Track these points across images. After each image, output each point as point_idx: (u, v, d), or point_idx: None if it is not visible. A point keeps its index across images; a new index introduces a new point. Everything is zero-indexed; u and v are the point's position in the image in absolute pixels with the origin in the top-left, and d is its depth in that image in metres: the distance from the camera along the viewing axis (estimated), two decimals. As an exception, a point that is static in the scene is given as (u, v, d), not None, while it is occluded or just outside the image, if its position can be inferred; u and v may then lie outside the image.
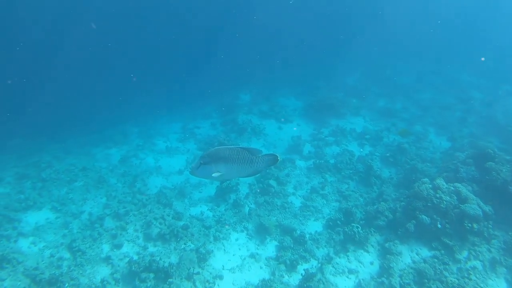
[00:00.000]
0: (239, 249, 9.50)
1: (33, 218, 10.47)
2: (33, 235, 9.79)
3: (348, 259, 9.10)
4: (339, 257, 9.15)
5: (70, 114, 19.50)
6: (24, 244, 9.46)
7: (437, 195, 9.24)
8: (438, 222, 8.96)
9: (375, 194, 11.75)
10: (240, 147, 4.33)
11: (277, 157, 4.37)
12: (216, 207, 11.17)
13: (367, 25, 34.45)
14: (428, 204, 9.25)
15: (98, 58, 25.50)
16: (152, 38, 28.73)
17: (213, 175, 4.35)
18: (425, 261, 8.55)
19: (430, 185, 9.57)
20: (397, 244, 9.08)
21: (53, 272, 8.24)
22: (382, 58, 27.90)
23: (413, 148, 14.38)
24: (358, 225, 9.62)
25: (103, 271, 8.59)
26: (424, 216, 9.12)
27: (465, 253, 8.66)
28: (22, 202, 10.98)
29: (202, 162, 4.30)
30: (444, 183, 9.51)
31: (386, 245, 9.12)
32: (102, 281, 8.21)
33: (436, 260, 8.51)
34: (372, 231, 9.63)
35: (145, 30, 28.62)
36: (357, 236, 9.36)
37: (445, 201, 9.08)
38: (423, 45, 30.92)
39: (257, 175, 4.46)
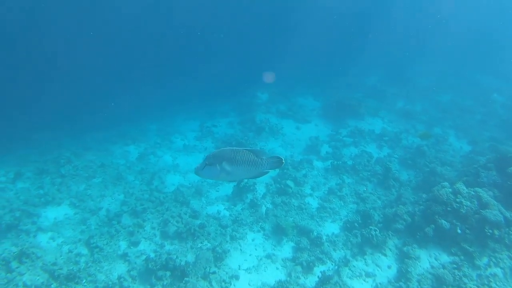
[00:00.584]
0: (256, 249, 9.47)
1: (52, 213, 10.59)
2: (51, 230, 9.89)
3: (365, 262, 9.03)
4: (356, 260, 9.08)
5: (88, 109, 19.67)
6: (43, 239, 9.57)
7: (457, 200, 9.11)
8: (458, 227, 8.84)
9: (393, 196, 11.64)
10: (245, 149, 4.35)
11: (282, 159, 4.39)
12: (233, 207, 11.16)
13: (387, 25, 34.12)
14: (448, 208, 9.13)
15: (117, 55, 25.71)
16: (171, 36, 28.84)
17: (218, 176, 4.37)
18: (444, 267, 8.45)
19: (450, 189, 9.44)
20: (415, 248, 8.98)
21: (71, 267, 8.33)
22: (402, 59, 27.64)
23: (432, 151, 14.20)
24: (376, 228, 9.53)
25: (120, 268, 8.65)
26: (443, 221, 9.01)
27: (485, 260, 8.53)
28: (42, 197, 11.10)
29: (207, 163, 4.32)
30: (465, 188, 9.38)
31: (404, 249, 9.02)
32: (119, 278, 8.25)
33: (455, 266, 8.40)
34: (390, 235, 9.54)
35: (164, 28, 28.75)
36: (375, 239, 9.28)
37: (465, 206, 8.95)
38: (443, 46, 30.56)
39: (263, 176, 4.51)
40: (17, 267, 8.11)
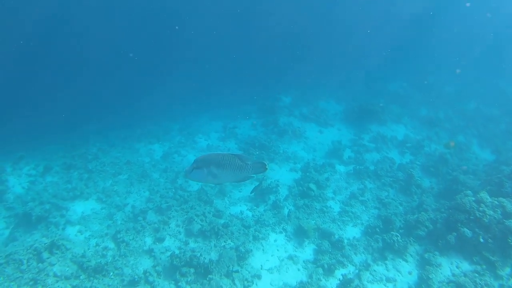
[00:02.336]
0: (278, 250, 9.62)
1: (80, 207, 10.92)
2: (79, 223, 10.22)
3: (386, 267, 9.10)
4: (377, 265, 9.16)
5: (111, 107, 20.08)
6: (71, 232, 9.89)
7: (480, 209, 9.11)
8: (481, 236, 8.84)
9: (415, 203, 11.66)
10: (231, 154, 4.61)
11: (265, 165, 4.67)
12: (255, 207, 11.33)
13: (411, 32, 34.00)
14: (471, 217, 9.13)
15: (141, 56, 26.18)
16: (198, 37, 29.18)
17: (205, 178, 4.62)
18: (465, 275, 8.46)
19: (473, 198, 9.44)
20: (436, 255, 9.02)
21: (99, 260, 8.59)
22: (426, 65, 27.48)
23: (455, 159, 14.18)
24: (398, 234, 9.59)
25: (146, 263, 8.88)
26: (466, 229, 9.02)
27: (507, 270, 8.52)
28: (70, 192, 11.44)
29: (195, 166, 4.57)
30: (488, 197, 9.36)
31: (426, 255, 9.06)
32: (145, 272, 8.46)
33: (477, 274, 8.40)
34: (412, 241, 9.59)
35: (193, 30, 29.12)
36: (396, 245, 9.34)
37: (489, 215, 8.95)
38: (468, 53, 30.30)
39: (246, 180, 4.81)
40: (48, 258, 8.40)
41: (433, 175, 13.53)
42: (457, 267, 8.83)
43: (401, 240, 9.42)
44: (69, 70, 22.11)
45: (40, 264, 8.26)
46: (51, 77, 20.84)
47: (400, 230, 10.02)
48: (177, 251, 9.07)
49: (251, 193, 11.45)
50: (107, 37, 26.03)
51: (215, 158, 4.58)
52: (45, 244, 8.72)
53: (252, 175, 4.67)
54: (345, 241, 9.79)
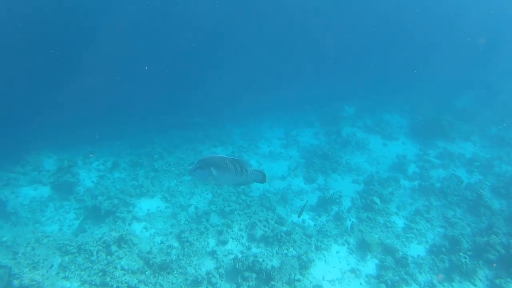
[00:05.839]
0: (339, 262, 9.49)
1: (145, 204, 11.26)
2: (145, 220, 10.54)
3: (453, 289, 8.78)
4: (443, 286, 8.84)
5: (174, 109, 20.57)
6: (137, 228, 10.22)
7: (560, 237, 8.62)
8: (559, 266, 8.36)
9: (484, 225, 11.14)
10: (231, 158, 4.94)
11: (265, 175, 5.07)
12: (317, 217, 11.25)
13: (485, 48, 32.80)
14: (548, 244, 8.67)
15: (208, 58, 26.72)
16: (267, 44, 29.44)
17: (206, 178, 4.97)
18: (540, 305, 8.04)
19: (552, 225, 8.96)
20: (508, 282, 8.59)
21: (164, 258, 8.80)
22: (498, 82, 26.34)
23: (529, 182, 13.45)
24: (466, 256, 9.22)
25: (209, 264, 9.02)
26: (542, 257, 8.56)
27: None
28: (136, 189, 11.83)
29: (198, 166, 4.93)
30: None
31: (496, 281, 8.65)
32: (208, 273, 8.59)
33: (553, 306, 7.96)
34: (481, 264, 9.18)
35: (264, 35, 29.43)
36: (464, 267, 8.98)
37: None
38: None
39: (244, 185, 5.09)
40: (116, 251, 8.74)
41: (504, 197, 12.88)
42: (531, 296, 8.39)
43: (469, 263, 9.06)
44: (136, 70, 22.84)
45: (108, 257, 8.60)
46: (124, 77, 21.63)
47: (468, 252, 9.61)
48: (239, 255, 9.12)
49: (298, 217, 11.23)
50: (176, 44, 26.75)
51: (216, 160, 4.92)
52: (114, 237, 9.06)
53: (252, 181, 5.02)
54: (410, 258, 9.47)
